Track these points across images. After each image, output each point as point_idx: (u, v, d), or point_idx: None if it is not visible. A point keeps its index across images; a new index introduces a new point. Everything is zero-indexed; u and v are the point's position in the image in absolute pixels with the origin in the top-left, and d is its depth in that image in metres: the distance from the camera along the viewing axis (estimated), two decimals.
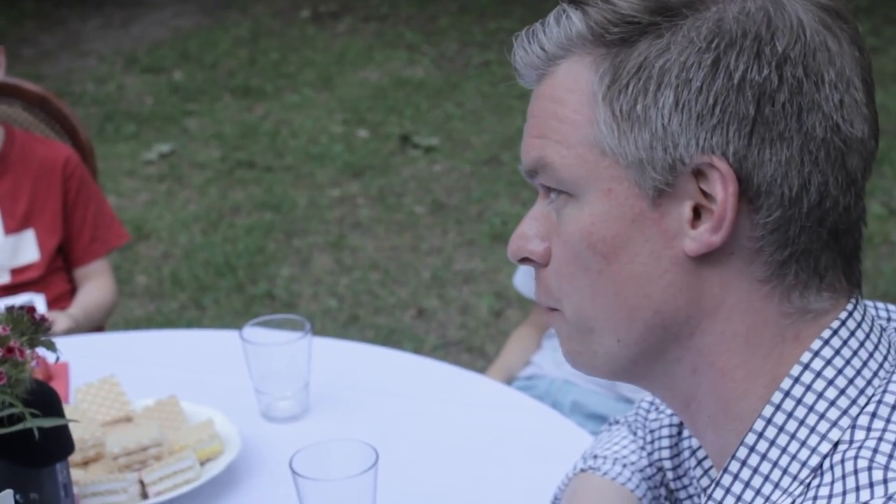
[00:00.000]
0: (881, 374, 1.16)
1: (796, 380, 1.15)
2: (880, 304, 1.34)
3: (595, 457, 1.72)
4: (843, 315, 1.17)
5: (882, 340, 1.19)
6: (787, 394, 1.15)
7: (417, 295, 4.87)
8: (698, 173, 1.14)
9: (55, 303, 3.03)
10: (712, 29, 1.13)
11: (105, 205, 3.18)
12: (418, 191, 5.71)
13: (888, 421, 1.13)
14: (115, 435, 2.04)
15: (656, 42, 1.14)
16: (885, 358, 1.18)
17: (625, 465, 1.69)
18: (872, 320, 1.20)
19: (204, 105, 6.81)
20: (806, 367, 1.15)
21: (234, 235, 5.35)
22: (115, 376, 2.24)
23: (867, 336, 1.18)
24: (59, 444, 1.80)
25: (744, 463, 1.17)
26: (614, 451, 1.71)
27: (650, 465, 1.69)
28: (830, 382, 1.15)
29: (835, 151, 1.14)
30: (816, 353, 1.15)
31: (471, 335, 4.60)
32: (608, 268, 1.19)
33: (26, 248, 3.05)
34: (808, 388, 1.14)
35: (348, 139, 6.29)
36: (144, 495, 1.98)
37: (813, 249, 1.15)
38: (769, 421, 1.15)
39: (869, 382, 1.15)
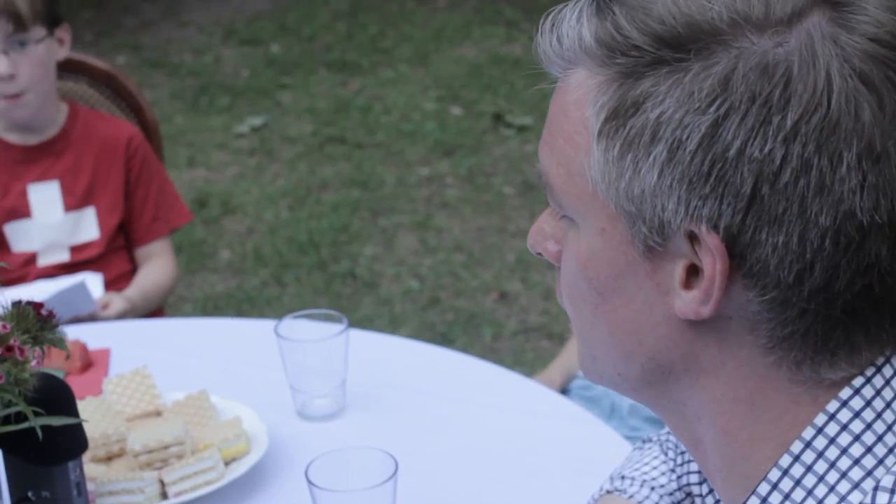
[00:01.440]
0: None
1: (808, 444, 1.03)
2: None
3: (622, 478, 1.63)
4: (870, 371, 1.03)
5: None
6: (796, 458, 1.03)
7: (500, 278, 4.78)
8: (692, 236, 1.01)
9: (114, 283, 3.00)
10: (715, 87, 0.97)
11: (168, 184, 3.14)
12: (508, 171, 5.61)
13: None
14: (137, 431, 1.98)
15: (657, 87, 1.00)
16: None
17: (653, 489, 1.59)
18: None
19: (298, 79, 6.77)
20: (819, 431, 1.03)
21: (320, 212, 5.30)
22: (147, 367, 2.18)
23: None
24: (71, 442, 1.75)
25: None
26: (643, 473, 1.62)
27: (679, 488, 1.59)
28: (857, 438, 1.02)
29: (846, 239, 0.98)
30: (832, 417, 1.03)
31: (552, 321, 4.49)
32: (603, 305, 1.08)
33: (86, 226, 3.02)
34: (832, 440, 1.02)
35: (441, 117, 6.21)
36: (164, 495, 1.93)
37: (819, 330, 1.01)
38: (785, 472, 1.04)
39: None
